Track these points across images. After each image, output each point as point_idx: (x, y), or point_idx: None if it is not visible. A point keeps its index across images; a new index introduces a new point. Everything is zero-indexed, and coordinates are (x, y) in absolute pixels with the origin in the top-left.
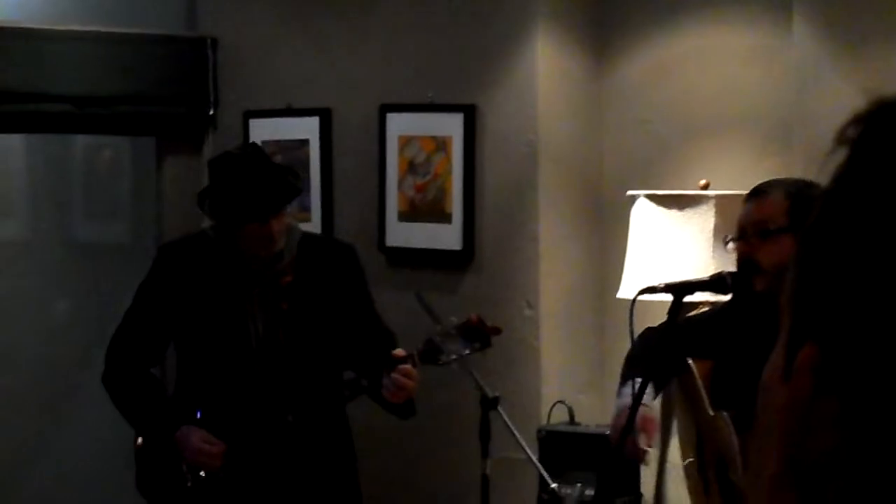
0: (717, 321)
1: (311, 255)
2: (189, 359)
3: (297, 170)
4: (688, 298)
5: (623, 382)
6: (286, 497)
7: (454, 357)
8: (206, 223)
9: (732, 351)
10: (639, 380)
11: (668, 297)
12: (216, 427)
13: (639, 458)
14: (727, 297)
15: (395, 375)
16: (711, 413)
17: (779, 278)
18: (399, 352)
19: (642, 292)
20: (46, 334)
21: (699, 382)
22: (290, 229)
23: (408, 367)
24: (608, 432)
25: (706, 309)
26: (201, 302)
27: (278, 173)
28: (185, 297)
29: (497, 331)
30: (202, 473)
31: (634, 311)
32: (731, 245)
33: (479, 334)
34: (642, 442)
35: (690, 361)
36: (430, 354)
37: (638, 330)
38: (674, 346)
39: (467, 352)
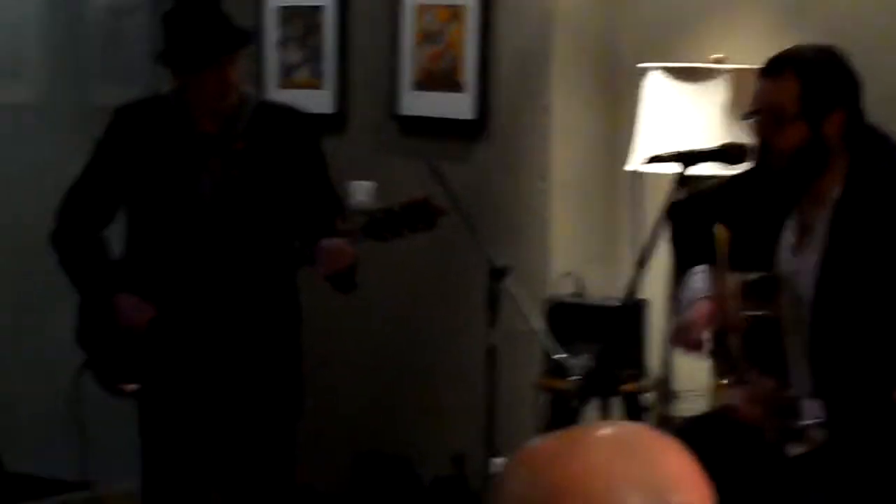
0: (733, 190)
1: (266, 122)
2: (138, 222)
3: (313, 36)
4: (696, 171)
5: (682, 270)
6: (221, 358)
7: (397, 235)
8: (166, 87)
9: (748, 220)
10: (699, 268)
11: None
12: (158, 289)
13: (700, 349)
14: (735, 169)
15: (324, 246)
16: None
17: (794, 160)
18: (340, 223)
19: (650, 161)
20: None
21: (723, 249)
22: (246, 97)
23: (338, 241)
24: (674, 326)
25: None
26: (153, 164)
27: (230, 20)
28: (137, 159)
29: (442, 211)
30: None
31: (640, 181)
32: (747, 121)
33: (426, 214)
34: (704, 334)
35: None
36: (372, 230)
37: (649, 201)
38: (706, 218)
39: (411, 232)
